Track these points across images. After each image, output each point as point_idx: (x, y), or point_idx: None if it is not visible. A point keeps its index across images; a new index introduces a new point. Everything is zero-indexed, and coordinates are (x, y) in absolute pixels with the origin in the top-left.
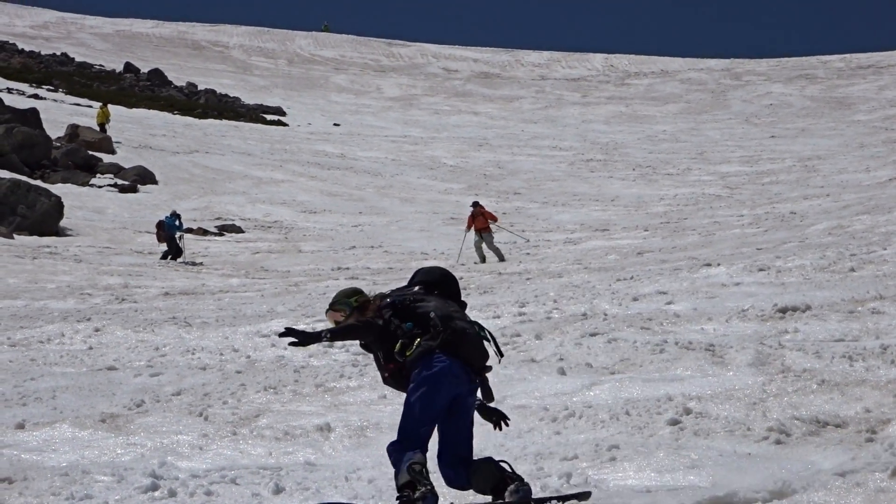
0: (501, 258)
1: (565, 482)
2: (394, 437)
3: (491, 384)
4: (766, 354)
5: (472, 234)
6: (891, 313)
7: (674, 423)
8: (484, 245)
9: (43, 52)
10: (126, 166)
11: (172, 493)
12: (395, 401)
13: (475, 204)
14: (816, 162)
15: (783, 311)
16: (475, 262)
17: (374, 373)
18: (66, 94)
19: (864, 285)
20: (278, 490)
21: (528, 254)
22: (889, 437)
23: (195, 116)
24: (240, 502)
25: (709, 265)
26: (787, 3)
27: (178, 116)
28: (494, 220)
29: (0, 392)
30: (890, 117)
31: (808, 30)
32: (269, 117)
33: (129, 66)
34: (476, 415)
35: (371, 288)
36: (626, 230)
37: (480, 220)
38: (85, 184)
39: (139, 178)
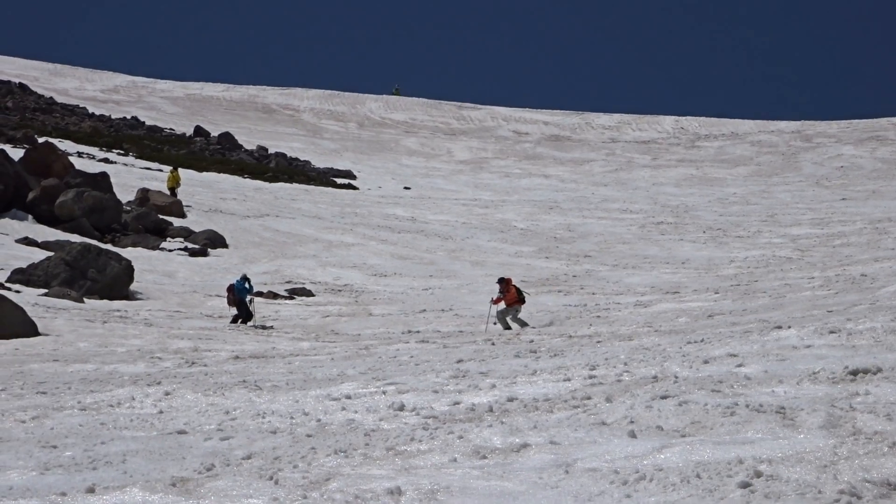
0: (524, 325)
1: None
2: (464, 500)
3: (563, 446)
4: (838, 417)
5: (498, 306)
6: None
7: (745, 485)
8: (509, 317)
9: (113, 116)
10: (196, 230)
11: None
12: (465, 464)
13: (502, 280)
14: (887, 224)
15: (854, 373)
16: (499, 333)
17: (445, 436)
18: (137, 157)
19: None
20: None
21: (598, 317)
22: None
23: (265, 180)
24: None
25: (779, 328)
26: (857, 65)
27: (248, 180)
28: (524, 292)
29: (70, 456)
30: None
31: (878, 91)
32: (339, 181)
33: (199, 130)
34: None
35: (442, 351)
36: (696, 293)
37: (510, 296)
38: (155, 248)
39: (209, 241)
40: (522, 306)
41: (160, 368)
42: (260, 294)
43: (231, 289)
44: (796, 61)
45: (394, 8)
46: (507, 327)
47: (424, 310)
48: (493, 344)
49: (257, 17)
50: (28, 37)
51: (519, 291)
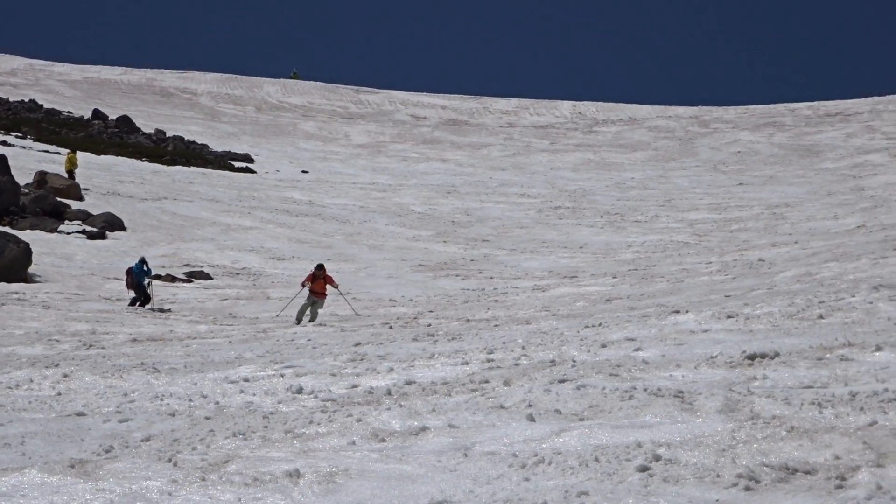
0: (314, 319)
1: None
2: (363, 483)
3: (461, 430)
4: (735, 401)
5: (304, 292)
6: (859, 360)
7: (643, 469)
8: (310, 309)
9: (11, 99)
10: (94, 213)
11: None
12: (364, 447)
13: (320, 266)
14: (784, 209)
15: (752, 357)
16: (293, 322)
17: (343, 418)
18: (35, 140)
19: (832, 332)
20: None
21: (496, 301)
22: (858, 483)
23: (163, 163)
24: None
25: (677, 312)
26: (754, 51)
27: (146, 163)
28: (335, 285)
29: None
30: (857, 165)
31: (775, 78)
32: (237, 164)
33: (97, 113)
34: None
35: (340, 334)
36: (594, 277)
37: (320, 284)
38: (53, 230)
39: (107, 224)
40: (324, 300)
41: (58, 351)
42: (158, 277)
43: (129, 272)
44: (693, 47)
45: None
46: (299, 321)
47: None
48: (390, 328)
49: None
50: None
51: (329, 284)
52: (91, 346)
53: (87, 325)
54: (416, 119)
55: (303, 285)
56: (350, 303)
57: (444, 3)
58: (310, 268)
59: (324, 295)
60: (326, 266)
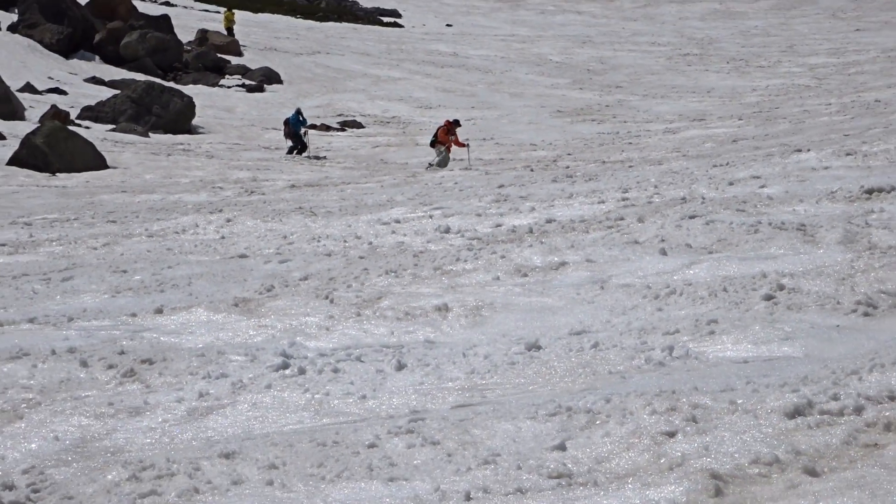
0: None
1: (668, 355)
2: (507, 315)
3: (598, 264)
4: (854, 233)
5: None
6: None
7: (768, 298)
8: (439, 160)
9: None
10: (252, 67)
11: (302, 371)
12: (507, 282)
13: (457, 122)
14: None
15: (869, 192)
16: (431, 165)
17: (488, 256)
18: (195, 0)
19: None
20: (400, 366)
21: (630, 143)
22: None
23: (316, 20)
24: (364, 378)
25: (799, 151)
26: None
27: (300, 20)
28: (460, 145)
29: (139, 279)
30: None
31: None
32: (385, 19)
33: None
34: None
35: (484, 177)
36: (721, 119)
37: (454, 140)
38: (215, 84)
39: (265, 78)
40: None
41: (221, 197)
42: (313, 126)
43: (287, 122)
44: None
45: None
46: (443, 165)
47: (468, 139)
48: (531, 170)
49: None
50: None
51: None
52: (252, 192)
53: (248, 172)
54: None
55: (450, 145)
56: (470, 158)
57: None
58: (535, 119)
59: (450, 148)
60: (462, 121)
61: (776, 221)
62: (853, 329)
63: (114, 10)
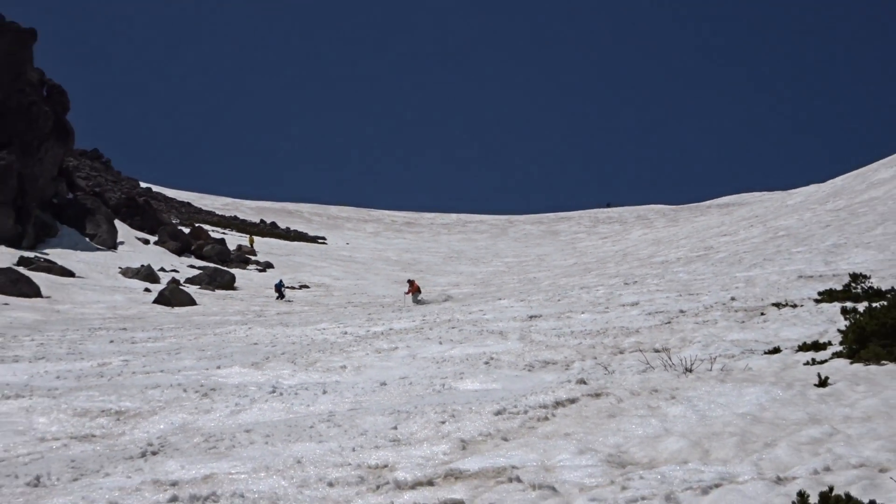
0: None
1: (441, 387)
2: (371, 370)
3: (411, 348)
4: (525, 334)
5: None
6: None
7: (486, 362)
8: (418, 298)
9: (221, 213)
10: (261, 260)
11: (281, 394)
12: (372, 355)
13: (410, 282)
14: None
15: (531, 317)
16: (413, 304)
17: (363, 344)
18: (236, 231)
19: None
20: (325, 392)
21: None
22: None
23: (289, 240)
24: (308, 397)
25: (500, 299)
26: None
27: (280, 241)
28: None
29: (209, 353)
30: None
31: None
32: (319, 239)
33: (262, 221)
34: None
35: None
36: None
37: (414, 287)
38: (243, 267)
39: (266, 265)
40: (420, 294)
41: (245, 318)
42: (291, 288)
43: (276, 285)
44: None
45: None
46: (418, 303)
47: (354, 293)
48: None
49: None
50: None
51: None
52: (260, 315)
53: (258, 307)
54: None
55: (407, 293)
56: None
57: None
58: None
59: (418, 291)
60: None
61: (489, 329)
62: (523, 377)
63: (200, 236)
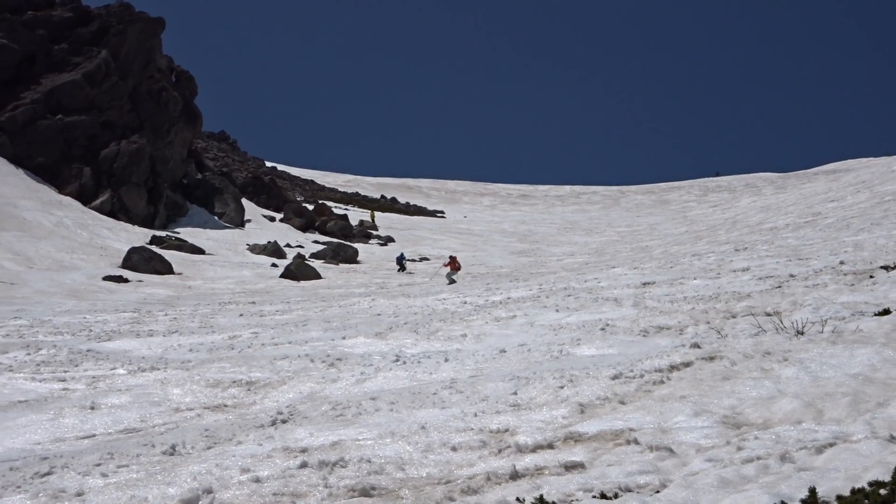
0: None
1: (559, 353)
2: (490, 338)
3: (529, 316)
4: (639, 301)
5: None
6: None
7: (602, 328)
8: (452, 276)
9: (344, 189)
10: (382, 235)
11: (404, 362)
12: (492, 323)
13: (452, 257)
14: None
15: (644, 284)
16: (447, 283)
17: (482, 313)
18: (358, 207)
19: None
20: (446, 360)
21: (542, 265)
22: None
23: (408, 215)
24: (431, 365)
25: (614, 267)
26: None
27: (401, 215)
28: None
29: (335, 324)
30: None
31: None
32: (438, 213)
33: (383, 196)
34: None
35: (476, 281)
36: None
37: (454, 265)
38: (365, 242)
39: (387, 239)
40: (457, 272)
41: (369, 290)
42: (412, 260)
43: (397, 258)
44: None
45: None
46: (452, 282)
47: (449, 264)
48: (498, 276)
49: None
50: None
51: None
52: (383, 287)
53: (381, 280)
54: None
55: (445, 265)
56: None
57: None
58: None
59: (458, 269)
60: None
61: (604, 296)
62: (638, 342)
63: (323, 212)
